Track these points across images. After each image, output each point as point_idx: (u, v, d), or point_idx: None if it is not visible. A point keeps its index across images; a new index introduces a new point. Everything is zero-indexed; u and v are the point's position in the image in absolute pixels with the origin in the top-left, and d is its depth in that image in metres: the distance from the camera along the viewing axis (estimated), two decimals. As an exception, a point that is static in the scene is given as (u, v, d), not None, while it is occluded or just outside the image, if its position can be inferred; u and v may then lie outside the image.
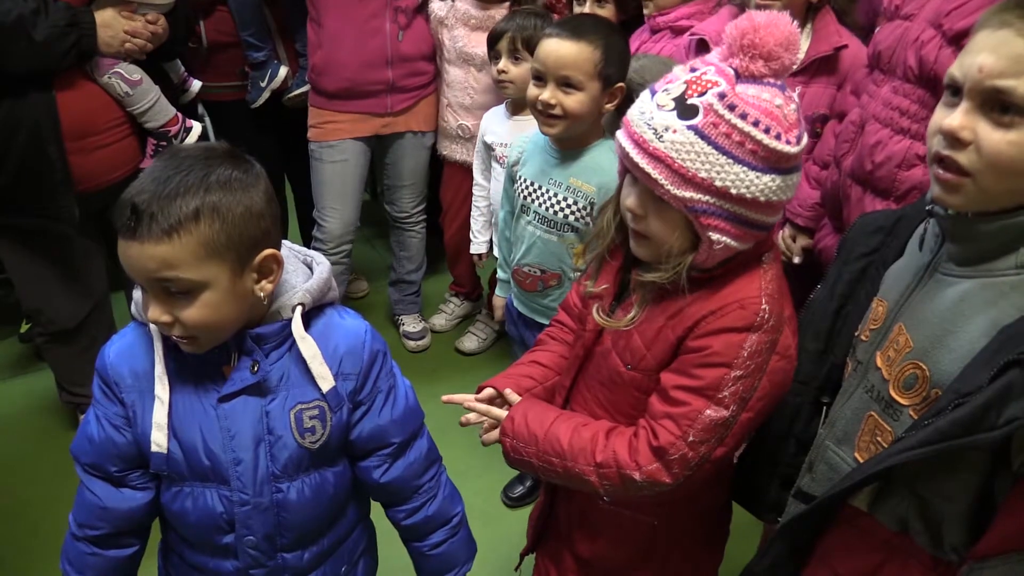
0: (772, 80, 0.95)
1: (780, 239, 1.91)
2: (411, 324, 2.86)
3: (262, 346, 1.06)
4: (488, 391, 1.25)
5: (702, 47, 1.85)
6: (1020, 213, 0.85)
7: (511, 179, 1.81)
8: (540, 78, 1.59)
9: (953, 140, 0.84)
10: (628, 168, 1.02)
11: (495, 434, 1.20)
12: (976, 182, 0.84)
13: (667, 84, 0.99)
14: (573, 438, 1.11)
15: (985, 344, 0.85)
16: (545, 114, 1.59)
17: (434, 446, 1.27)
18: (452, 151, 2.51)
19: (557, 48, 1.55)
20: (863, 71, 1.72)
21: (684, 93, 0.96)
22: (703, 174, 0.94)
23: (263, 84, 2.47)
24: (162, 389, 1.06)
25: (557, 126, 1.60)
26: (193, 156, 0.98)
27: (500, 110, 2.23)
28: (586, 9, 2.15)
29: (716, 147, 0.93)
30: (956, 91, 0.86)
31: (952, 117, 0.84)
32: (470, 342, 2.81)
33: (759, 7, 1.58)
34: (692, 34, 1.90)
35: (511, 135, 2.06)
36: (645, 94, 1.01)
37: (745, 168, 0.94)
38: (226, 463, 1.07)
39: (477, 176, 2.33)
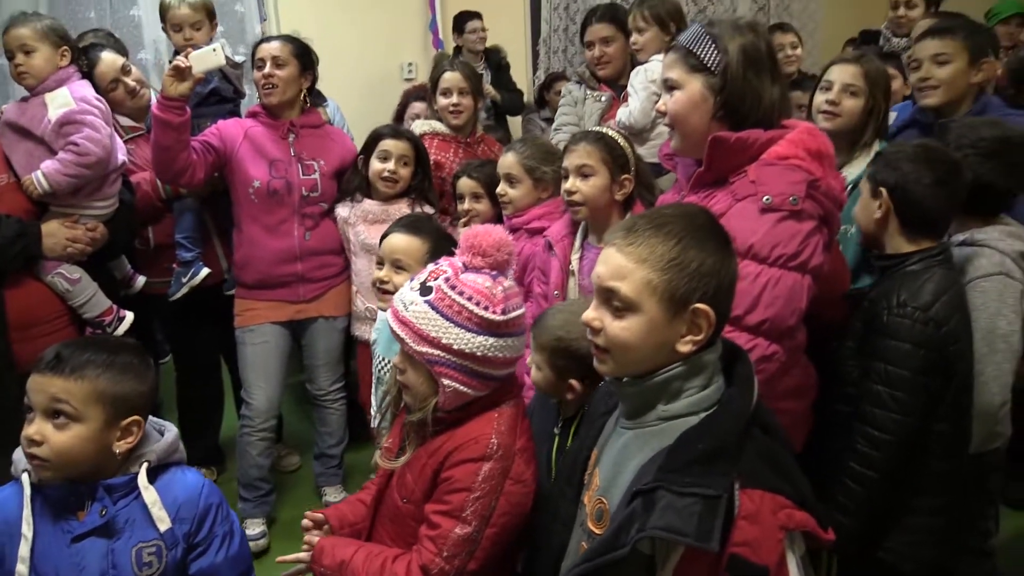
0: (488, 270, 1.33)
1: None
2: (333, 495, 3.05)
3: (111, 494, 1.34)
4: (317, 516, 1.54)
5: (549, 246, 2.23)
6: (651, 378, 1.14)
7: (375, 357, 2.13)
8: (380, 262, 1.98)
9: (590, 328, 1.16)
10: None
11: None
12: (612, 356, 1.15)
13: (420, 274, 1.36)
14: (367, 565, 1.38)
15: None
16: (381, 290, 1.96)
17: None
18: (363, 332, 2.81)
19: (395, 240, 1.95)
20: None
21: (426, 278, 1.33)
22: (434, 334, 1.29)
23: (184, 280, 2.80)
24: (27, 528, 1.32)
25: (389, 299, 1.94)
26: (111, 343, 1.40)
27: None
28: (465, 206, 2.55)
29: (443, 315, 1.30)
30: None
31: (587, 312, 1.17)
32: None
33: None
34: (544, 236, 2.27)
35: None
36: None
37: (463, 330, 1.30)
38: (76, 594, 1.31)
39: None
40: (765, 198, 1.43)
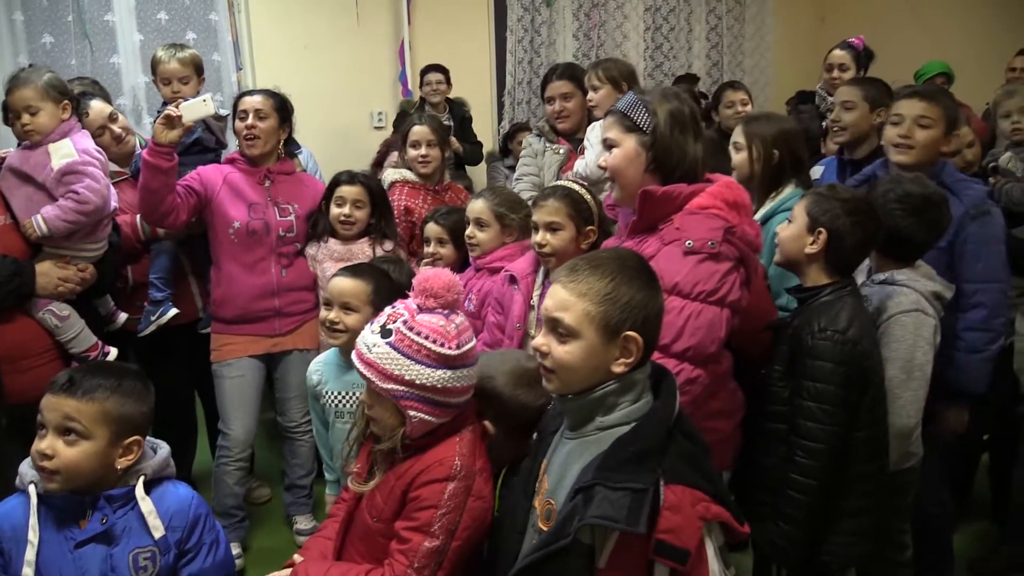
0: (440, 309, 1.51)
1: None
2: (303, 523, 3.17)
3: (111, 504, 1.49)
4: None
5: (512, 279, 2.43)
6: (590, 394, 1.34)
7: (316, 398, 2.29)
8: (328, 303, 2.17)
9: (539, 352, 1.37)
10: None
11: None
12: (558, 376, 1.35)
13: (379, 318, 1.54)
14: None
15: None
16: (332, 330, 2.14)
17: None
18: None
19: (340, 283, 2.16)
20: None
21: (385, 322, 1.50)
22: (398, 372, 1.47)
23: (152, 319, 2.92)
24: (33, 534, 1.47)
25: (340, 338, 2.14)
26: (116, 368, 1.59)
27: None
28: (431, 249, 2.76)
29: (404, 354, 1.48)
30: None
31: (537, 338, 1.38)
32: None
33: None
34: (505, 271, 2.47)
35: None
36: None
37: (423, 366, 1.47)
38: (79, 596, 1.46)
39: None
40: (688, 242, 1.66)
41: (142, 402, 1.53)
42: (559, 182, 2.38)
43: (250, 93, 2.95)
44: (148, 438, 1.63)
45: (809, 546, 1.86)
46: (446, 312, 1.52)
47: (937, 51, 5.31)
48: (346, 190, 2.89)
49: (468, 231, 2.55)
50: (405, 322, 1.49)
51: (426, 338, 1.48)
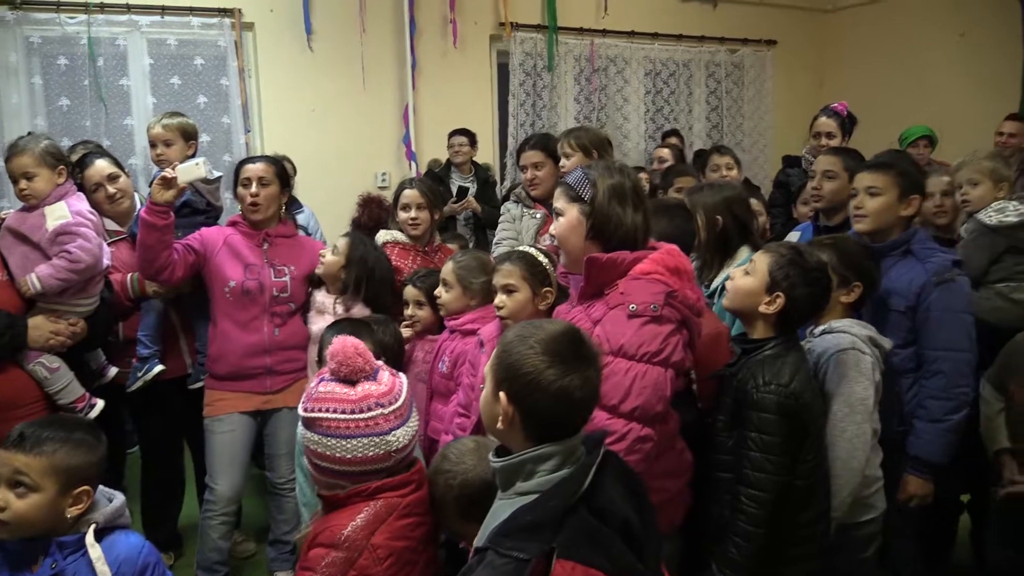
0: (348, 377, 1.56)
1: None
2: (285, 576, 3.22)
3: (62, 550, 1.57)
4: None
5: (481, 343, 2.49)
6: (514, 459, 1.34)
7: (301, 453, 2.33)
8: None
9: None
10: None
11: None
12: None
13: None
14: None
15: None
16: None
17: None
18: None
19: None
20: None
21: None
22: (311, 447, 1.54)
23: (139, 375, 3.02)
24: (-13, 579, 1.53)
25: None
26: (68, 421, 1.67)
27: None
28: (409, 311, 2.82)
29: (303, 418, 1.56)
30: None
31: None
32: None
33: None
34: (478, 334, 2.54)
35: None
36: None
37: (311, 432, 1.54)
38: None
39: None
40: (631, 306, 1.73)
41: (91, 453, 1.62)
42: (520, 247, 2.46)
43: (252, 160, 3.06)
44: (104, 488, 1.70)
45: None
46: (354, 380, 1.56)
47: (927, 114, 5.42)
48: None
49: (436, 290, 2.64)
50: (310, 390, 1.56)
51: (333, 411, 1.53)
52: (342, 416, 1.52)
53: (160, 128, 3.19)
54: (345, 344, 1.55)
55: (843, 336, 2.09)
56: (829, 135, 3.78)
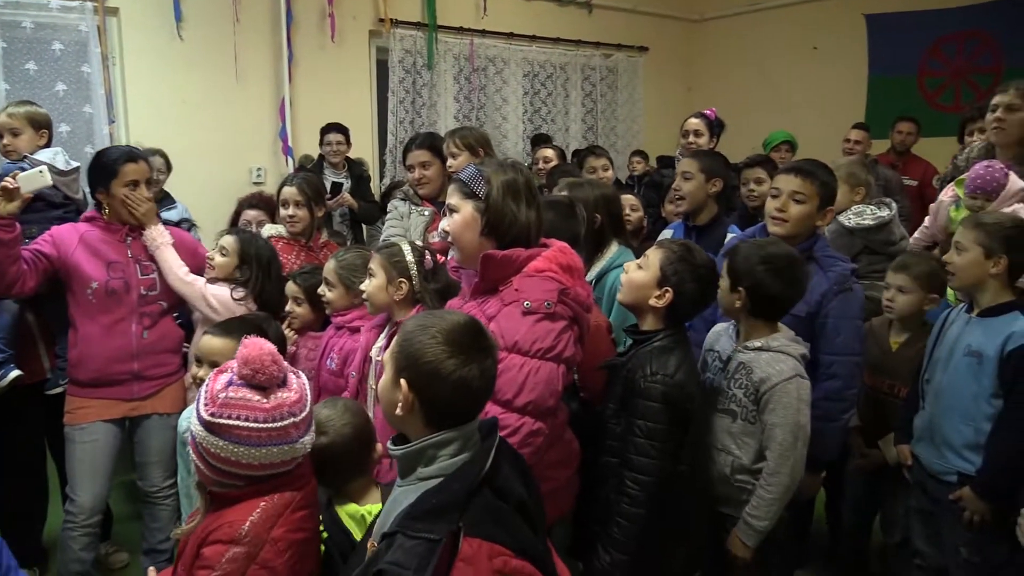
0: (261, 383, 1.51)
1: None
2: (162, 589, 3.08)
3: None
4: None
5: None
6: (414, 446, 1.37)
7: (184, 444, 2.24)
8: (198, 360, 2.22)
9: None
10: None
11: None
12: (388, 419, 1.42)
13: (201, 389, 1.55)
14: None
15: None
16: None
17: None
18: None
19: (209, 341, 2.20)
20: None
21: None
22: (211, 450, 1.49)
23: None
24: None
25: None
26: None
27: None
28: (287, 308, 2.79)
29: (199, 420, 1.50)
30: None
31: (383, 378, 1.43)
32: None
33: None
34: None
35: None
36: None
37: (216, 437, 1.48)
38: None
39: None
40: (525, 303, 1.77)
41: None
42: (393, 239, 2.49)
43: (134, 160, 2.82)
44: None
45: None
46: (266, 387, 1.51)
47: (784, 121, 5.79)
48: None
49: (320, 288, 2.62)
50: (213, 401, 1.49)
51: (237, 417, 1.48)
52: (254, 425, 1.48)
53: (5, 116, 2.98)
54: (262, 350, 1.50)
55: (784, 361, 2.11)
56: (697, 133, 3.96)
